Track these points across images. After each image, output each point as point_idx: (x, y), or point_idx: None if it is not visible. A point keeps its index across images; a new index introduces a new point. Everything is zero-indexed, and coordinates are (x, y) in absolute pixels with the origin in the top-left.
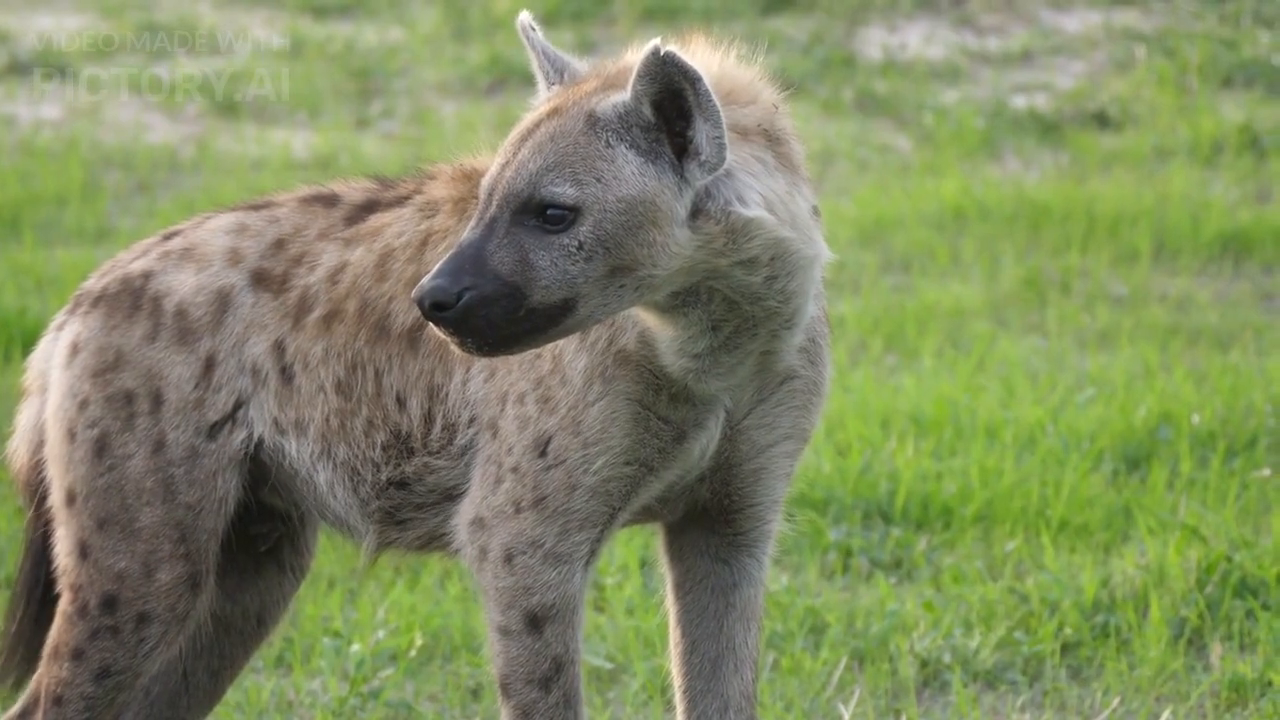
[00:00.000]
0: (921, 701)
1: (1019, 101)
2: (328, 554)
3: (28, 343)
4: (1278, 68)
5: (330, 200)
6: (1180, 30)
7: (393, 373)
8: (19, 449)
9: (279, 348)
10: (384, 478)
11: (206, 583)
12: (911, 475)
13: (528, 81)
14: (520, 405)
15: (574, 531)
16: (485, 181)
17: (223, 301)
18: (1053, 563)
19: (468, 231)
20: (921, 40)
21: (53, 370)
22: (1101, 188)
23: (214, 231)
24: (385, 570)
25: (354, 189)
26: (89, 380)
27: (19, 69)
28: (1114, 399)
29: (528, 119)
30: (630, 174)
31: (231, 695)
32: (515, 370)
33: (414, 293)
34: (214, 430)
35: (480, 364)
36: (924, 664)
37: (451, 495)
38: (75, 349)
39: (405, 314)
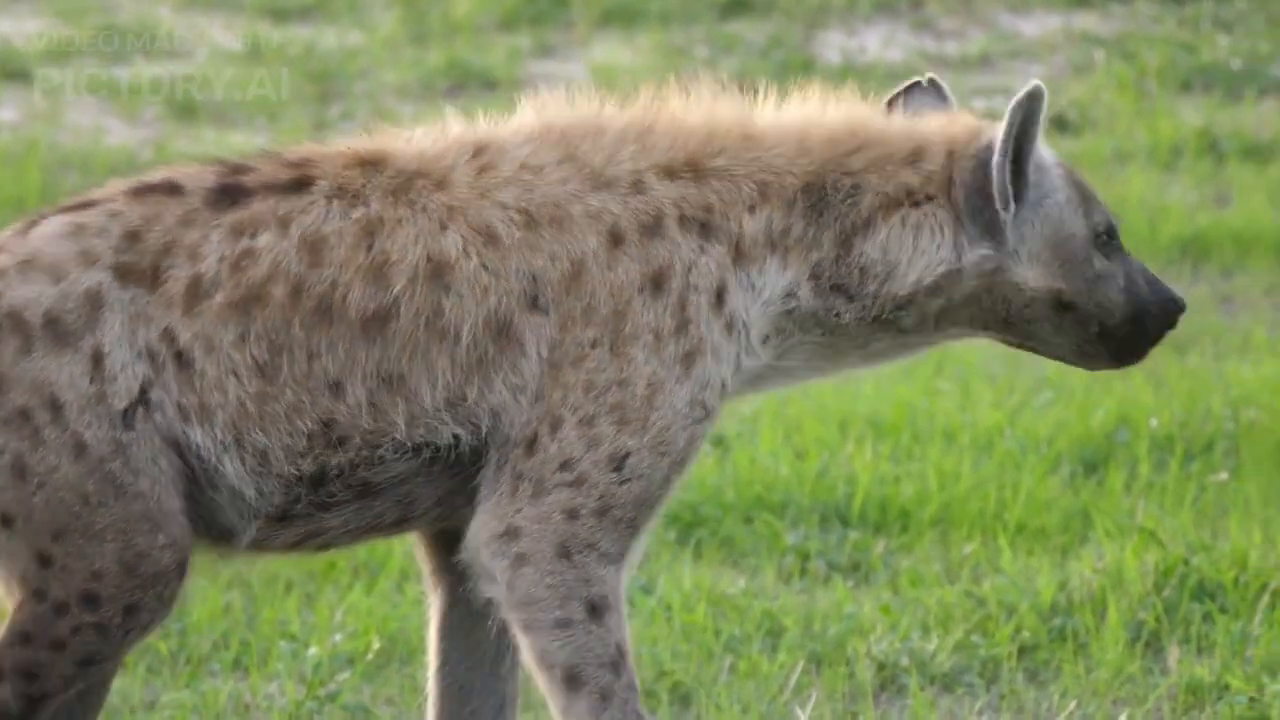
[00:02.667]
0: (879, 704)
1: (978, 105)
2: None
3: None
4: (1236, 72)
5: (170, 188)
6: (1139, 34)
7: (332, 357)
8: None
9: (169, 335)
10: (303, 469)
11: (190, 563)
12: (869, 478)
13: (486, 85)
14: (589, 427)
15: (628, 538)
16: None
17: (94, 301)
18: (1010, 566)
19: (1124, 259)
20: (880, 43)
21: None
22: None
23: (48, 239)
24: (343, 574)
25: (193, 174)
26: None
27: None
28: (1072, 402)
29: (1056, 159)
30: None
31: (188, 698)
32: (574, 394)
33: (1178, 303)
34: (128, 417)
35: (522, 379)
36: (881, 667)
37: (370, 491)
38: None
39: (362, 300)
